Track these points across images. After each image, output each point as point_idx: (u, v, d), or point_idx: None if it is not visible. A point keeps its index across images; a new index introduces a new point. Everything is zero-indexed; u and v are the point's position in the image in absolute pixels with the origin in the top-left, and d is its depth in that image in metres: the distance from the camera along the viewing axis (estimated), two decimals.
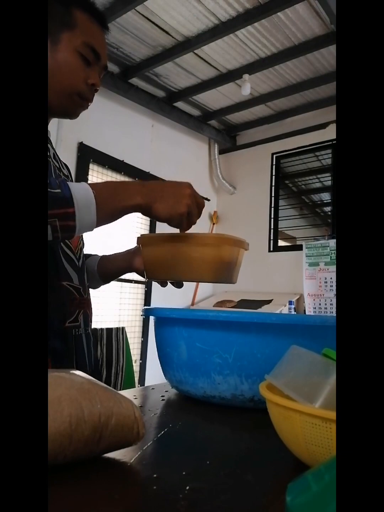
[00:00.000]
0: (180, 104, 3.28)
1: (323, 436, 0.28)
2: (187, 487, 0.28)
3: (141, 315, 0.61)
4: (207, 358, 0.51)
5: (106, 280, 0.78)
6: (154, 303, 2.89)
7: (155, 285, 2.73)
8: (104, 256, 0.79)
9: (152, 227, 2.91)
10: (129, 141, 2.95)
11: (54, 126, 2.60)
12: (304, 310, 3.00)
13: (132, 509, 0.26)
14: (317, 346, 0.37)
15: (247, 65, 2.87)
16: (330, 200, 3.39)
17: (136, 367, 2.75)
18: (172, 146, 3.38)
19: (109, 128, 2.96)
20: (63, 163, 0.76)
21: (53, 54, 0.62)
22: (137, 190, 0.52)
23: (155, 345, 0.63)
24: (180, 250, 0.58)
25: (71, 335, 0.62)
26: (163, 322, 0.58)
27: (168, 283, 0.67)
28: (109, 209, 0.50)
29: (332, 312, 2.77)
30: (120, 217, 0.53)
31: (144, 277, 0.67)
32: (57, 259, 0.62)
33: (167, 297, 2.87)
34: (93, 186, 0.50)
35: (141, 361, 2.79)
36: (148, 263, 0.63)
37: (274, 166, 3.66)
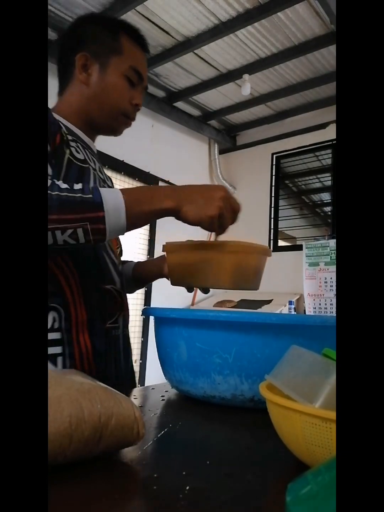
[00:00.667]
0: (180, 104, 3.28)
1: (323, 436, 0.28)
2: (187, 487, 0.28)
3: (141, 315, 0.62)
4: (207, 358, 0.51)
5: (140, 286, 0.83)
6: (154, 303, 2.89)
7: (155, 285, 2.73)
8: (138, 262, 0.83)
9: (151, 235, 2.84)
10: (129, 141, 2.95)
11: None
12: (304, 310, 3.00)
13: (132, 509, 0.26)
14: (317, 346, 0.37)
15: (247, 65, 2.87)
16: (330, 200, 3.39)
17: (136, 367, 2.75)
18: (172, 146, 3.38)
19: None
20: (107, 176, 0.81)
21: (103, 77, 0.68)
22: (167, 194, 0.53)
23: (155, 345, 0.63)
24: (202, 257, 0.59)
25: (111, 335, 0.65)
26: (163, 322, 0.58)
27: (194, 288, 0.68)
28: (139, 212, 0.51)
29: (332, 312, 2.77)
30: (152, 220, 0.55)
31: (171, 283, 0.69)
32: (102, 264, 0.65)
33: (167, 297, 2.87)
34: (125, 191, 0.52)
35: (141, 361, 2.78)
36: (172, 270, 0.64)
37: (274, 166, 3.66)
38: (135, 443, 0.34)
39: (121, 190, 0.52)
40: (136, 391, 0.67)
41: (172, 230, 0.60)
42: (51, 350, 0.58)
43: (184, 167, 3.48)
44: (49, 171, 0.59)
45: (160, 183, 3.15)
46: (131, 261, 0.85)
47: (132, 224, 0.51)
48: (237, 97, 3.30)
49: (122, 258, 0.80)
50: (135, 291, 0.85)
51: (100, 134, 0.76)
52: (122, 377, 0.68)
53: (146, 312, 0.60)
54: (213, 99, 3.32)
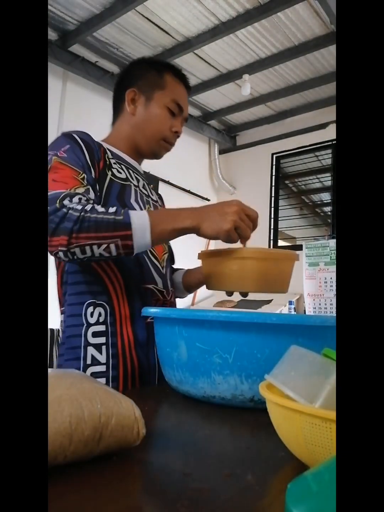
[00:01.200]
0: None
1: (323, 436, 0.28)
2: (187, 487, 0.28)
3: (141, 315, 0.62)
4: (207, 358, 0.51)
5: (189, 291, 0.93)
6: None
7: None
8: (187, 270, 0.94)
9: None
10: None
11: (54, 126, 2.60)
12: (304, 310, 3.00)
13: (133, 509, 0.26)
14: (317, 346, 0.37)
15: (247, 65, 2.87)
16: (330, 200, 3.39)
17: None
18: None
19: (109, 128, 2.96)
20: (154, 192, 0.92)
21: (147, 108, 0.80)
22: (188, 214, 0.61)
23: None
24: (228, 264, 0.64)
25: (152, 329, 0.70)
26: (163, 322, 0.58)
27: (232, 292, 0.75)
28: (162, 231, 0.60)
29: (332, 312, 2.77)
30: (175, 237, 0.64)
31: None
32: (144, 267, 0.75)
33: None
34: (151, 213, 0.61)
35: None
36: (206, 276, 0.71)
37: (274, 166, 3.66)
38: (135, 443, 0.34)
39: (149, 212, 0.61)
40: (136, 391, 0.67)
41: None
42: (97, 340, 0.69)
43: (184, 167, 3.48)
44: (92, 194, 0.68)
45: (160, 183, 3.15)
46: (182, 269, 0.96)
47: (156, 240, 0.61)
48: (237, 97, 3.30)
49: (176, 265, 0.95)
50: (186, 296, 0.95)
51: (145, 157, 0.87)
52: (159, 366, 0.73)
53: (146, 312, 0.60)
54: (213, 99, 3.32)
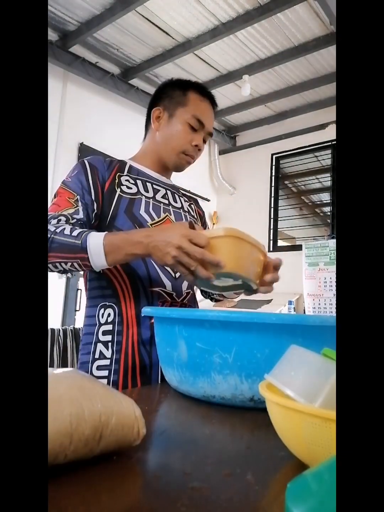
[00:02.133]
0: None
1: (323, 435, 0.28)
2: (188, 487, 0.28)
3: (142, 315, 0.63)
4: (207, 358, 0.51)
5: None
6: None
7: None
8: None
9: None
10: (129, 141, 2.95)
11: (55, 126, 2.60)
12: (304, 310, 3.00)
13: (133, 509, 0.26)
14: (317, 346, 0.37)
15: (247, 66, 2.88)
16: (329, 201, 3.39)
17: None
18: None
19: (109, 128, 2.97)
20: (184, 199, 0.99)
21: (170, 124, 0.86)
22: (139, 242, 0.63)
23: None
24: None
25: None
26: (163, 322, 0.58)
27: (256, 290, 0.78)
28: (116, 255, 0.65)
29: (332, 312, 2.77)
30: (132, 261, 0.71)
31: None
32: (151, 271, 0.80)
33: None
34: (108, 238, 0.65)
35: None
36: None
37: (273, 167, 3.66)
38: (136, 443, 0.34)
39: (106, 236, 0.65)
40: (137, 391, 0.67)
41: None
42: (105, 338, 0.78)
43: None
44: (80, 214, 0.75)
45: None
46: None
47: (112, 262, 0.65)
48: (237, 98, 3.30)
49: None
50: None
51: (170, 170, 0.94)
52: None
53: (146, 311, 0.60)
54: None
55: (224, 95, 3.25)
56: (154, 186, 0.89)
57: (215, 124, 3.70)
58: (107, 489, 0.27)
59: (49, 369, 0.34)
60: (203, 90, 0.88)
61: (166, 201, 0.90)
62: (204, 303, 3.40)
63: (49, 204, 0.76)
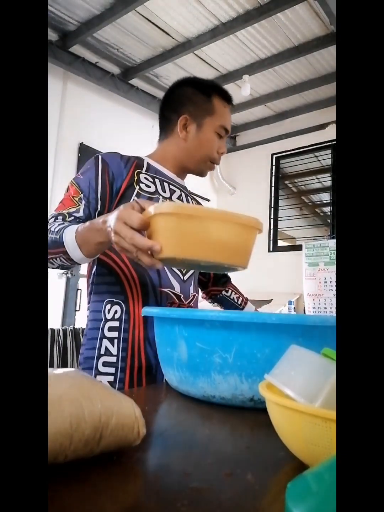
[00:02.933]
0: None
1: (323, 435, 0.28)
2: (188, 487, 0.28)
3: (142, 315, 0.63)
4: (207, 358, 0.51)
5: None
6: None
7: None
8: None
9: None
10: (129, 141, 2.95)
11: (55, 126, 2.60)
12: (304, 310, 3.00)
13: (133, 509, 0.26)
14: (317, 345, 0.37)
15: (247, 66, 2.88)
16: (329, 201, 3.39)
17: None
18: None
19: (109, 128, 2.97)
20: (196, 201, 1.01)
21: (199, 135, 0.86)
22: (99, 228, 0.61)
23: (155, 344, 0.63)
24: (184, 224, 0.52)
25: None
26: (163, 322, 0.58)
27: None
28: (88, 247, 0.64)
29: (332, 312, 2.77)
30: (104, 249, 0.67)
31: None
32: (160, 272, 0.81)
33: None
34: (79, 231, 0.64)
35: None
36: (155, 239, 0.55)
37: (274, 167, 3.66)
38: (136, 443, 0.34)
39: (78, 230, 0.65)
40: (137, 391, 0.67)
41: None
42: (111, 334, 0.78)
43: None
44: (81, 212, 0.76)
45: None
46: (251, 306, 1.10)
47: (89, 254, 0.66)
48: (237, 98, 3.30)
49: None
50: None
51: (188, 173, 0.94)
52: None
53: (146, 311, 0.60)
54: None
55: None
56: (171, 186, 0.89)
57: None
58: (107, 489, 0.27)
59: (49, 369, 0.34)
60: (225, 95, 0.89)
61: (182, 202, 0.91)
62: (204, 303, 3.40)
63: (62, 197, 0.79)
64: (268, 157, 3.65)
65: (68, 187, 0.79)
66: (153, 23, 2.48)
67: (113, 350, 0.77)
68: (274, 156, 3.63)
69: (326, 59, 2.74)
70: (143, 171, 0.84)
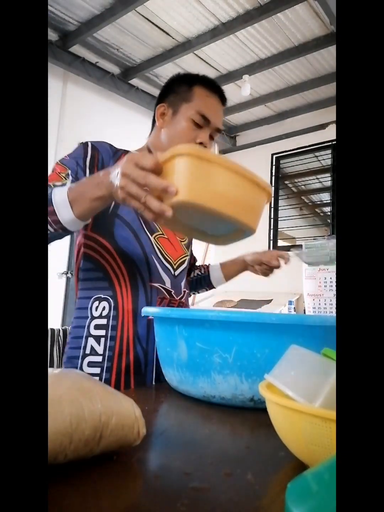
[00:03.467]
0: None
1: (323, 435, 0.28)
2: (188, 487, 0.28)
3: (142, 315, 0.63)
4: (207, 358, 0.51)
5: (228, 280, 1.05)
6: None
7: None
8: (222, 263, 1.05)
9: None
10: (129, 141, 2.95)
11: (55, 126, 2.60)
12: (304, 310, 3.00)
13: (133, 509, 0.26)
14: (317, 346, 0.37)
15: (247, 66, 2.88)
16: (329, 201, 3.39)
17: None
18: None
19: (109, 128, 2.96)
20: None
21: (173, 121, 0.83)
22: (99, 182, 0.56)
23: (155, 345, 0.63)
24: (211, 170, 0.49)
25: (153, 326, 0.73)
26: (163, 322, 0.58)
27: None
28: (82, 203, 0.58)
29: (332, 312, 2.77)
30: (102, 207, 0.59)
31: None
32: (151, 266, 0.78)
33: None
34: (72, 187, 0.59)
35: None
36: (179, 180, 0.50)
37: (274, 167, 3.66)
38: (136, 443, 0.34)
39: (71, 186, 0.59)
40: (137, 391, 0.67)
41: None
42: (97, 333, 0.74)
43: None
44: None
45: None
46: (215, 265, 1.06)
47: (80, 213, 0.58)
48: (237, 98, 3.30)
49: (198, 264, 1.08)
50: (221, 284, 1.06)
51: None
52: (157, 365, 0.76)
53: (146, 311, 0.60)
54: None
55: None
56: None
57: None
58: (107, 489, 0.27)
59: (49, 369, 0.34)
60: (210, 84, 0.84)
61: None
62: (204, 303, 3.41)
63: None
64: (268, 157, 3.65)
65: (53, 167, 0.74)
66: (153, 23, 2.48)
67: (99, 349, 0.73)
68: (274, 156, 3.63)
69: (326, 59, 2.74)
70: None
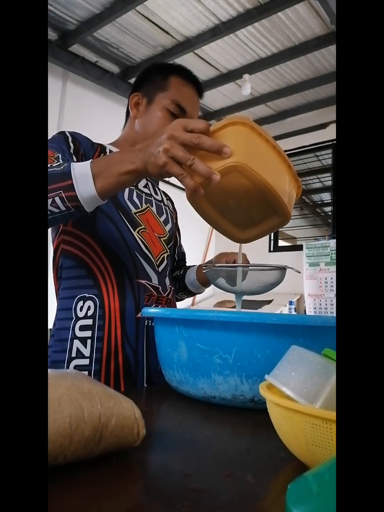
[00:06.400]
0: None
1: (324, 436, 0.28)
2: (188, 488, 0.28)
3: (141, 316, 0.62)
4: (207, 359, 0.51)
5: (205, 285, 0.96)
6: None
7: None
8: (199, 265, 0.97)
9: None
10: None
11: (54, 125, 2.60)
12: (305, 310, 3.00)
13: (133, 510, 0.26)
14: (318, 346, 0.37)
15: (247, 65, 2.87)
16: (330, 200, 3.39)
17: None
18: None
19: (109, 128, 2.96)
20: (165, 194, 0.96)
21: (147, 110, 0.80)
22: (134, 155, 0.52)
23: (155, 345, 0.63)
24: (267, 151, 0.51)
25: (143, 325, 0.74)
26: (163, 322, 0.58)
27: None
28: (106, 177, 0.53)
29: (333, 313, 2.77)
30: (127, 183, 0.54)
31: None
32: (136, 261, 0.75)
33: None
34: (96, 160, 0.55)
35: None
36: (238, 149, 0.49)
37: None
38: (136, 444, 0.34)
39: (94, 160, 0.55)
40: (136, 391, 0.67)
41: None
42: (83, 334, 0.70)
43: None
44: None
45: (160, 183, 3.15)
46: (194, 266, 0.99)
47: (103, 188, 0.53)
48: (237, 97, 3.30)
49: (188, 264, 1.02)
50: (203, 291, 0.98)
51: None
52: (148, 365, 0.74)
53: (146, 312, 0.60)
54: (214, 99, 3.31)
55: (225, 95, 3.24)
56: None
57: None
58: (107, 490, 0.27)
59: (49, 370, 0.34)
60: (186, 74, 0.82)
61: (148, 192, 0.86)
62: (204, 304, 3.40)
63: None
64: None
65: None
66: (153, 22, 2.48)
67: (86, 352, 0.68)
68: None
69: (326, 58, 2.73)
70: None
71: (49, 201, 0.53)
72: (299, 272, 0.80)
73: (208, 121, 0.49)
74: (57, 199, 0.53)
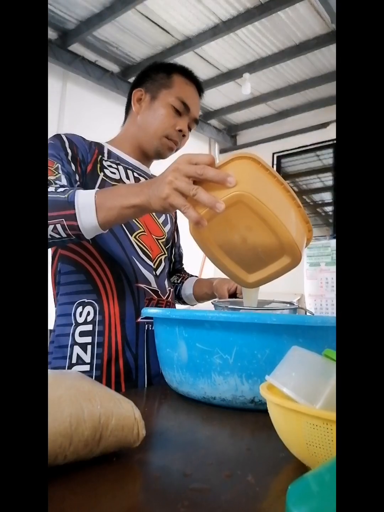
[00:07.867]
0: None
1: (324, 437, 0.28)
2: (188, 488, 0.28)
3: (143, 317, 0.62)
4: (207, 359, 0.51)
5: (199, 301, 0.95)
6: None
7: None
8: (198, 280, 0.95)
9: None
10: None
11: (54, 125, 2.59)
12: (305, 311, 2.99)
13: (133, 509, 0.26)
14: (318, 346, 0.37)
15: (247, 65, 2.87)
16: (331, 200, 3.38)
17: None
18: None
19: (109, 127, 2.96)
20: None
21: (152, 107, 0.80)
22: (138, 190, 0.53)
23: (155, 345, 0.63)
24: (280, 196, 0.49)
25: (143, 329, 0.73)
26: (163, 323, 0.58)
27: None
28: (110, 209, 0.54)
29: (333, 313, 2.77)
30: (129, 217, 0.55)
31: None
32: (134, 266, 0.74)
33: None
34: (101, 191, 0.56)
35: None
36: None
37: (274, 166, 3.66)
38: (135, 444, 0.34)
39: (98, 191, 0.55)
40: (136, 392, 0.67)
41: None
42: (83, 340, 0.69)
43: None
44: (64, 181, 0.66)
45: None
46: (193, 277, 0.97)
47: (105, 220, 0.54)
48: (237, 97, 3.30)
49: (182, 268, 1.00)
50: (196, 304, 0.97)
51: (150, 158, 0.87)
52: (149, 370, 0.73)
53: (146, 313, 0.60)
54: (214, 98, 3.31)
55: (225, 94, 3.24)
56: (135, 174, 0.83)
57: (215, 123, 3.70)
58: (107, 491, 0.27)
59: (49, 370, 0.34)
60: (188, 74, 0.83)
61: None
62: (204, 304, 3.39)
63: None
64: (269, 156, 3.64)
65: None
66: (152, 22, 2.47)
67: (86, 358, 0.68)
68: (275, 155, 3.62)
69: (327, 57, 2.73)
70: (105, 158, 0.79)
71: (51, 227, 0.54)
72: (313, 314, 0.74)
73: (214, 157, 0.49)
74: (58, 226, 0.54)
